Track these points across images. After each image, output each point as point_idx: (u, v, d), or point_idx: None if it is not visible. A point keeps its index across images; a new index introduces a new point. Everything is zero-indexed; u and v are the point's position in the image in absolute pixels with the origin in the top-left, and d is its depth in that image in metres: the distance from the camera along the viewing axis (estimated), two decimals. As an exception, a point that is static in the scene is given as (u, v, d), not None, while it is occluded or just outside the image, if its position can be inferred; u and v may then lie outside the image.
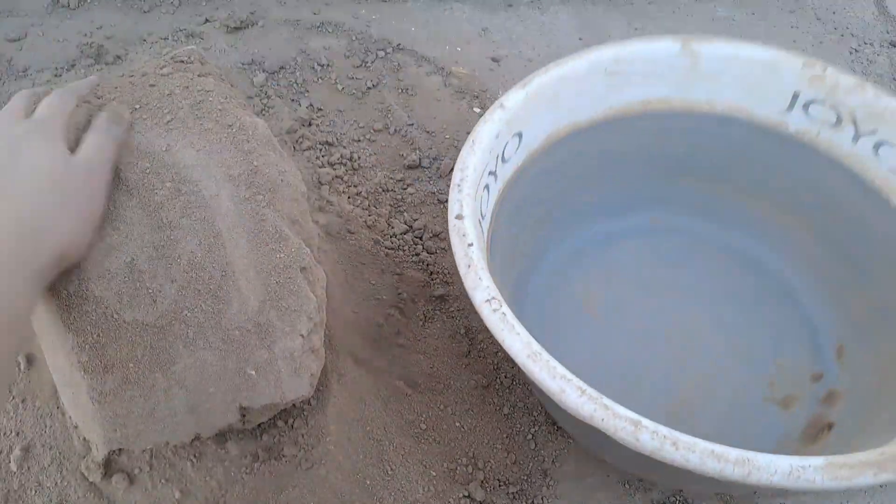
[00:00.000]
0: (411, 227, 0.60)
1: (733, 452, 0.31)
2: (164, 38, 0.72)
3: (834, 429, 0.47)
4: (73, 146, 0.38)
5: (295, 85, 0.70)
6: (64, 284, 0.36)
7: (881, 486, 0.37)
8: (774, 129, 0.51)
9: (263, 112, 0.67)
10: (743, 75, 0.50)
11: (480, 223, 0.44)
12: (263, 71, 0.70)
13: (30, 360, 0.44)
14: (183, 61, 0.45)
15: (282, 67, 0.71)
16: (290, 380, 0.38)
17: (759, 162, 0.53)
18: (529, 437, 0.50)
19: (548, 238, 0.56)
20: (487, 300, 0.37)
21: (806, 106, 0.49)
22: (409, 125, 0.68)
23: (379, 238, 0.59)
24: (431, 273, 0.58)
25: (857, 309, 0.51)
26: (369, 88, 0.71)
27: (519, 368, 0.36)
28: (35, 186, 0.34)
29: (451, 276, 0.58)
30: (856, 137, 0.48)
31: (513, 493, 0.47)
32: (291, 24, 0.75)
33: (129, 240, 0.37)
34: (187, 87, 0.43)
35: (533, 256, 0.56)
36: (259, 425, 0.42)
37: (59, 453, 0.42)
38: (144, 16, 0.74)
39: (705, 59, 0.50)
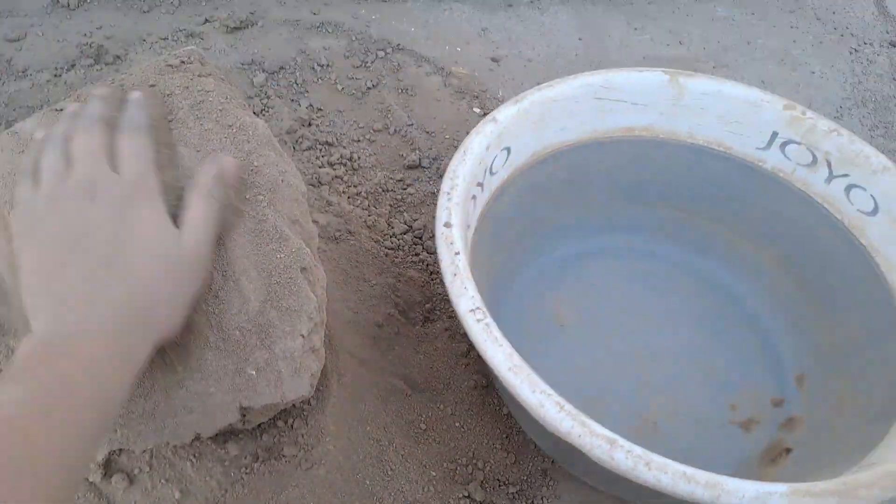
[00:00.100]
0: (411, 227, 0.60)
1: (703, 475, 0.32)
2: (164, 39, 0.72)
3: (791, 453, 0.49)
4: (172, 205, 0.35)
5: (295, 85, 0.70)
6: None
7: None
8: (752, 165, 0.53)
9: (263, 112, 0.67)
10: (725, 111, 0.52)
11: (466, 232, 0.44)
12: (263, 71, 0.70)
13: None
14: (183, 61, 0.45)
15: (281, 67, 0.71)
16: (291, 380, 0.38)
17: (735, 194, 0.55)
18: (529, 437, 0.50)
19: (525, 253, 0.57)
20: (472, 310, 0.38)
21: (783, 145, 0.51)
22: (409, 125, 0.68)
23: (379, 238, 0.59)
24: (431, 273, 0.58)
25: (820, 341, 0.52)
26: (369, 89, 0.71)
27: (499, 380, 0.36)
28: (148, 274, 0.32)
29: (451, 277, 0.58)
30: (829, 179, 0.50)
31: (513, 493, 0.47)
32: (291, 25, 0.75)
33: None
34: (187, 88, 0.43)
35: (510, 269, 0.56)
36: (259, 425, 0.42)
37: (59, 453, 0.42)
38: (144, 16, 0.74)
39: (690, 93, 0.52)
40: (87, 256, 0.32)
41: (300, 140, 0.65)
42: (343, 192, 0.62)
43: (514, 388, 0.35)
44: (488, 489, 0.47)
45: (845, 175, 0.49)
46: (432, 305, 0.56)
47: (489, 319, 0.37)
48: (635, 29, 0.82)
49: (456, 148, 0.48)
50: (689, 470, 0.32)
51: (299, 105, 0.68)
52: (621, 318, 0.56)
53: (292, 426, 0.43)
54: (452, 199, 0.43)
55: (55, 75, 0.67)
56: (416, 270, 0.58)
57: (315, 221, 0.55)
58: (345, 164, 0.64)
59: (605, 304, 0.57)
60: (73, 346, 0.30)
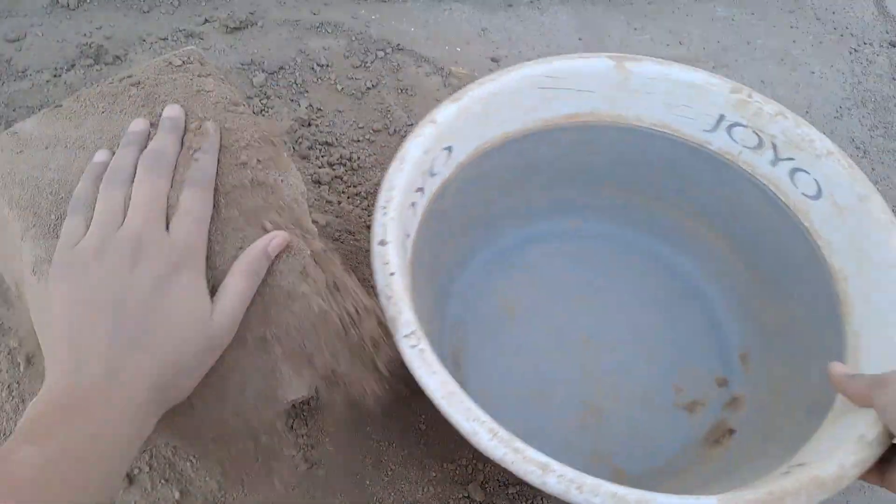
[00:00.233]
0: (411, 227, 0.60)
1: (633, 494, 0.33)
2: (164, 39, 0.72)
3: (735, 435, 0.49)
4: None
5: (294, 85, 0.70)
6: None
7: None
8: (698, 147, 0.53)
9: (263, 112, 0.67)
10: (672, 95, 0.52)
11: (405, 242, 0.43)
12: (263, 71, 0.70)
13: (29, 359, 0.44)
14: (183, 61, 0.45)
15: (281, 68, 0.71)
16: (291, 380, 0.38)
17: (681, 175, 0.55)
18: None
19: (473, 242, 0.57)
20: (406, 335, 0.37)
21: (730, 128, 0.51)
22: (409, 125, 0.68)
23: (379, 238, 0.59)
24: (431, 273, 0.58)
25: (765, 320, 0.53)
26: (369, 89, 0.71)
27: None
28: (177, 349, 0.32)
29: (451, 277, 0.58)
30: (774, 161, 0.50)
31: (512, 493, 0.47)
32: (291, 25, 0.75)
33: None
34: (187, 87, 0.43)
35: (458, 262, 0.56)
36: (259, 426, 0.42)
37: (59, 454, 0.42)
38: (144, 16, 0.74)
39: (637, 77, 0.52)
40: (119, 319, 0.32)
41: (300, 140, 0.65)
42: (343, 192, 0.62)
43: (448, 415, 0.35)
44: (488, 489, 0.47)
45: (790, 158, 0.49)
46: (432, 305, 0.56)
47: (424, 344, 0.37)
48: (635, 29, 0.82)
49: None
50: (621, 490, 0.33)
51: (299, 105, 0.68)
52: (569, 304, 0.57)
53: (292, 426, 0.43)
54: (388, 213, 0.42)
55: (55, 75, 0.67)
56: (416, 270, 0.58)
57: (315, 221, 0.55)
58: (344, 164, 0.64)
59: (554, 290, 0.57)
60: (90, 408, 0.30)
